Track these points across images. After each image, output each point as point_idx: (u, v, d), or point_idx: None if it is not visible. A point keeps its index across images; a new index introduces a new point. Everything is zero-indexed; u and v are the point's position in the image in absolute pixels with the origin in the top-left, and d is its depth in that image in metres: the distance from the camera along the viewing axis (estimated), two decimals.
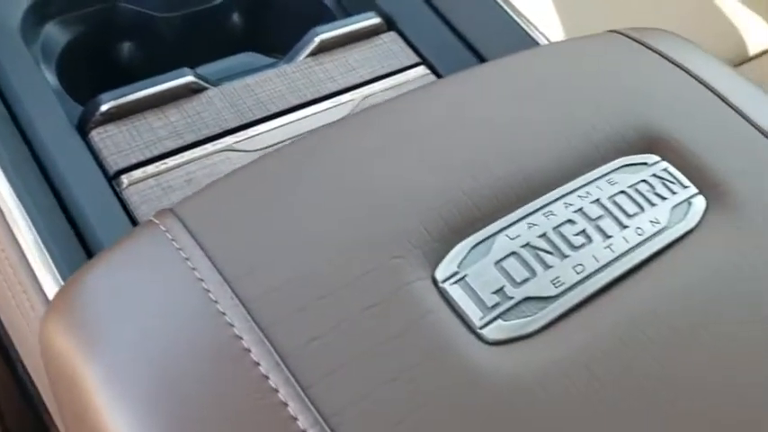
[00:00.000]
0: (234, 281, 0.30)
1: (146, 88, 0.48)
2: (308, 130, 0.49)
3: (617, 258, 0.32)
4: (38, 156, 0.44)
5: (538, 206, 0.33)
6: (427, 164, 0.34)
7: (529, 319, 0.30)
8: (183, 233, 0.31)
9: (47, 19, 0.52)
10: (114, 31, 0.55)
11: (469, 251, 0.31)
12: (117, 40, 0.56)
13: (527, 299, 0.30)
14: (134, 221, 0.44)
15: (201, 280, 0.30)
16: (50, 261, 0.38)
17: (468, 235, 0.32)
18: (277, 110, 0.50)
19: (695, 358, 0.30)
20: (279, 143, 0.48)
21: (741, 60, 0.91)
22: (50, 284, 0.37)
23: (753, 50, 0.94)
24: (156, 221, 0.32)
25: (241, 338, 0.28)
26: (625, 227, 0.34)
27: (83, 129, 0.47)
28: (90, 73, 0.55)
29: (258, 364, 0.28)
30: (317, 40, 0.52)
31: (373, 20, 0.55)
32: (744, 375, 0.30)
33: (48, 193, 0.42)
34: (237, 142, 0.48)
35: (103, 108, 0.46)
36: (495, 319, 0.30)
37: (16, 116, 0.45)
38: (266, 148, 0.48)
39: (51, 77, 0.52)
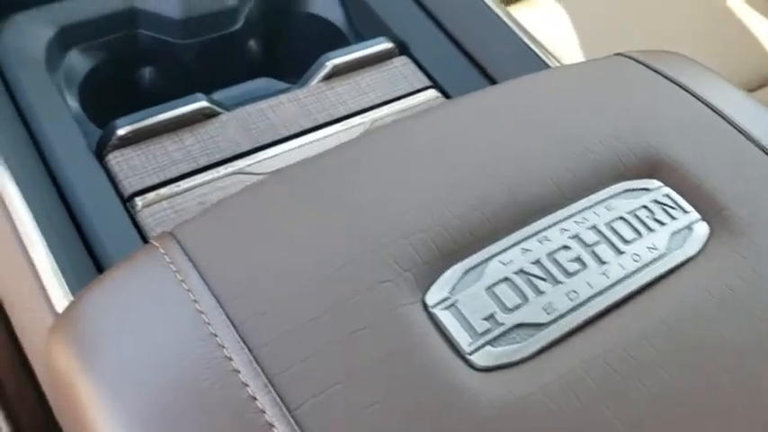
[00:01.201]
0: (226, 303, 0.30)
1: (161, 113, 0.49)
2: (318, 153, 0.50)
3: (612, 285, 0.32)
4: (56, 178, 0.46)
5: (533, 231, 0.33)
6: (420, 186, 0.34)
7: (519, 345, 0.30)
8: (181, 256, 0.32)
9: (70, 47, 0.54)
10: (134, 58, 0.57)
11: (461, 276, 0.31)
12: (137, 66, 0.58)
13: (518, 325, 0.30)
14: (146, 241, 0.45)
15: (196, 301, 0.31)
16: (62, 279, 0.39)
17: (460, 260, 0.32)
18: (288, 133, 0.51)
19: (688, 385, 0.29)
20: (285, 167, 0.49)
21: (759, 84, 0.89)
22: (61, 301, 0.39)
23: None
24: (156, 244, 0.33)
25: (231, 359, 0.29)
26: (621, 253, 0.33)
27: (100, 152, 0.48)
28: (110, 98, 0.56)
29: (246, 385, 0.28)
30: (330, 64, 0.53)
31: (385, 44, 0.56)
32: (740, 404, 0.29)
33: (64, 214, 0.44)
34: (249, 165, 0.49)
35: (120, 132, 0.48)
36: (484, 345, 0.30)
37: (37, 140, 0.47)
38: (274, 170, 0.49)
39: (74, 103, 0.54)
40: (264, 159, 0.49)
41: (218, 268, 0.32)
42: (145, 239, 0.45)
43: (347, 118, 0.52)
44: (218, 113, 0.51)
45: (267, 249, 0.32)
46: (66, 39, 0.53)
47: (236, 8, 0.57)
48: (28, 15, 0.52)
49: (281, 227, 0.33)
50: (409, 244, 0.31)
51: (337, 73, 0.54)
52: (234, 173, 0.48)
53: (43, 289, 0.38)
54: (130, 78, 0.58)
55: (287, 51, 0.62)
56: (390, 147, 0.36)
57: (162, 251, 0.32)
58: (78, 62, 0.54)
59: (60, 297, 0.39)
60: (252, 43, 0.61)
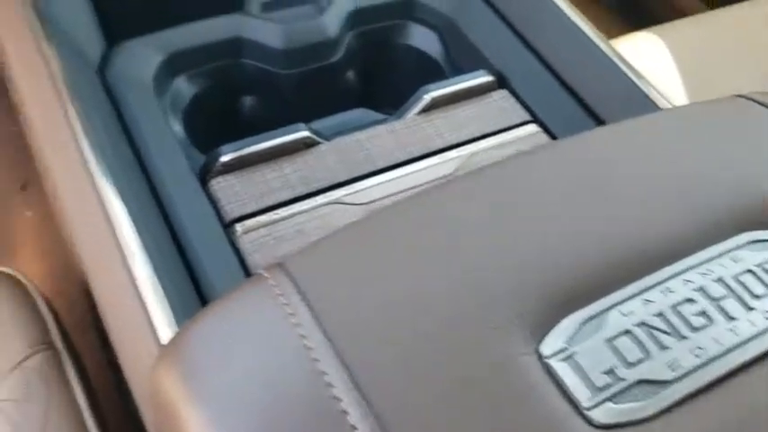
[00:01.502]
0: (336, 340, 0.30)
1: (263, 142, 0.50)
2: (414, 185, 0.49)
3: (741, 343, 0.30)
4: (160, 199, 0.47)
5: (654, 281, 0.32)
6: (537, 231, 0.33)
7: (642, 403, 0.28)
8: (291, 289, 0.32)
9: (177, 73, 0.55)
10: (236, 86, 0.58)
11: (579, 326, 0.30)
12: (238, 93, 0.59)
13: (640, 382, 0.29)
14: (246, 268, 0.45)
15: (304, 337, 0.30)
16: (167, 305, 0.39)
17: (578, 309, 0.30)
18: (385, 165, 0.51)
19: None
20: (386, 197, 0.49)
21: None
22: (165, 328, 0.39)
23: None
24: (266, 275, 0.33)
25: (340, 400, 0.28)
26: (751, 309, 0.31)
27: (203, 177, 0.49)
28: (212, 124, 0.58)
29: (355, 428, 0.28)
30: (428, 97, 0.53)
31: (484, 77, 0.55)
32: None
33: (167, 235, 0.45)
34: (346, 195, 0.49)
35: (223, 159, 0.49)
36: (604, 401, 0.28)
37: (143, 161, 0.48)
38: (373, 201, 0.48)
39: (178, 127, 0.55)
40: (361, 190, 0.49)
41: (328, 304, 0.31)
42: (244, 265, 0.45)
43: (444, 151, 0.52)
44: (318, 143, 0.51)
45: (379, 288, 0.31)
46: (173, 65, 0.55)
47: (337, 40, 0.58)
48: (139, 41, 0.54)
49: (394, 265, 0.32)
50: (524, 290, 0.30)
51: (435, 105, 0.54)
52: (331, 202, 0.48)
53: (148, 317, 0.39)
54: (231, 105, 0.60)
55: (384, 82, 0.63)
56: (503, 189, 0.35)
57: (272, 283, 0.32)
58: (184, 88, 0.56)
59: (165, 326, 0.39)
60: (350, 74, 0.61)
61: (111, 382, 0.50)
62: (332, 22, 0.57)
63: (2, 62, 0.54)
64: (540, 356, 0.29)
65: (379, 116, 0.59)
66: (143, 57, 0.53)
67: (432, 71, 0.60)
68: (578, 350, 0.29)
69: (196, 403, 0.30)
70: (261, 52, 0.56)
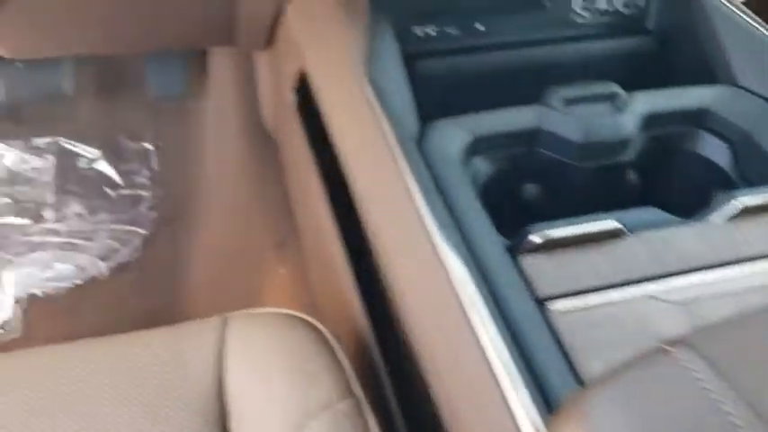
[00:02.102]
0: (755, 404, 0.29)
1: (571, 227, 0.50)
2: (733, 290, 0.48)
3: None
4: (480, 270, 0.48)
5: None
6: None
7: None
8: (701, 363, 0.31)
9: (478, 153, 0.58)
10: (526, 172, 0.60)
11: None
12: (526, 179, 0.61)
13: None
14: (560, 345, 0.45)
15: (730, 414, 0.29)
16: (514, 369, 0.40)
17: None
18: (696, 266, 0.50)
19: None
20: (698, 298, 0.48)
21: None
22: (510, 392, 0.39)
23: None
24: (670, 349, 0.32)
25: None
26: None
27: (512, 253, 0.50)
28: (500, 204, 0.59)
29: None
30: (737, 203, 0.52)
31: None
32: None
33: (495, 309, 0.45)
34: (661, 291, 0.48)
35: (533, 239, 0.50)
36: None
37: (461, 230, 0.50)
38: (691, 301, 0.47)
39: None
40: (677, 288, 0.48)
41: (741, 373, 0.30)
42: (559, 342, 0.45)
43: (757, 259, 0.50)
44: (624, 235, 0.51)
45: None
46: (476, 146, 0.57)
47: (630, 139, 0.59)
48: (449, 122, 0.57)
49: None
50: None
51: (743, 213, 0.53)
52: (644, 296, 0.48)
53: (500, 389, 0.39)
54: (516, 189, 0.62)
55: (667, 185, 0.63)
56: None
57: (680, 357, 0.32)
58: (482, 168, 0.58)
59: (510, 389, 0.39)
60: (635, 172, 0.62)
61: None
62: (628, 122, 0.59)
63: (324, 118, 0.59)
64: None
65: (672, 217, 0.59)
66: (452, 135, 0.57)
67: (719, 180, 0.60)
68: None
69: None
70: (558, 144, 0.58)
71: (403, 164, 0.51)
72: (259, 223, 0.86)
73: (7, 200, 0.97)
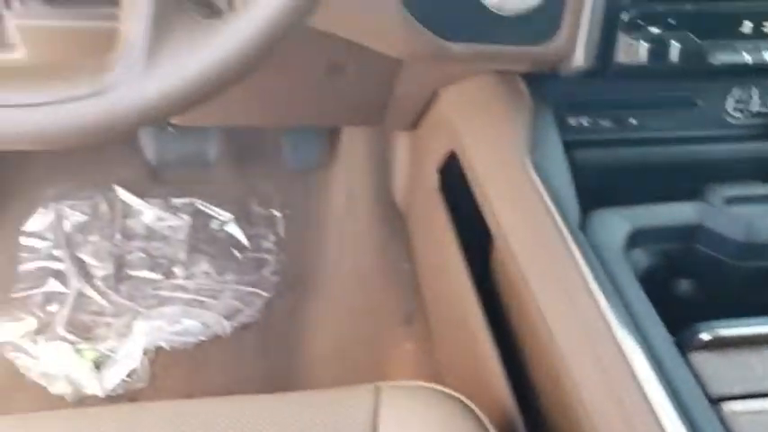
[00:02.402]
0: None
1: (744, 327, 0.49)
2: None
3: None
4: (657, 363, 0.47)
5: None
6: None
7: None
8: None
9: (636, 245, 0.58)
10: (682, 268, 0.60)
11: None
12: (680, 275, 0.61)
13: None
14: None
15: None
16: None
17: None
18: None
19: None
20: None
21: None
22: None
23: None
24: None
25: None
26: None
27: (680, 348, 0.49)
28: (653, 298, 0.59)
29: None
30: None
31: None
32: None
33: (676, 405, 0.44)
34: None
35: (703, 337, 0.49)
36: None
37: (636, 326, 0.49)
38: None
39: None
40: None
41: None
42: None
43: None
44: None
45: None
46: (635, 238, 0.58)
47: None
48: (611, 211, 0.58)
49: None
50: None
51: None
52: None
53: None
54: (671, 284, 0.61)
55: None
56: None
57: None
58: (640, 260, 0.58)
59: None
60: None
61: None
62: None
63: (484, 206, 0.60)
64: None
65: None
66: (613, 225, 0.57)
67: None
68: None
69: None
70: (718, 242, 0.58)
71: (573, 247, 0.52)
72: (382, 297, 0.88)
73: (142, 254, 1.02)
